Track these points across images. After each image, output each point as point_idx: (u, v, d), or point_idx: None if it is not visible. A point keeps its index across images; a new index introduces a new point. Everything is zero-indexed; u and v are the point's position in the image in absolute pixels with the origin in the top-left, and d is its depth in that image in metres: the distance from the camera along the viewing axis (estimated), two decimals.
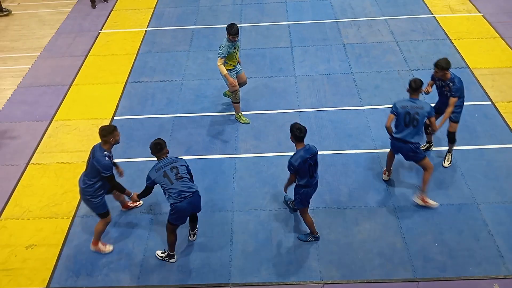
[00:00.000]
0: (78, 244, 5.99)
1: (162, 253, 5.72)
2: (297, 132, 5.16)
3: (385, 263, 5.58)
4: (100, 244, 5.83)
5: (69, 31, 10.82)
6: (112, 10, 11.59)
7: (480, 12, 10.47)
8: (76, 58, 9.78)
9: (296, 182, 5.44)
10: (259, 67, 9.18)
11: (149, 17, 11.15)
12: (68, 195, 6.65)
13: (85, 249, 5.90)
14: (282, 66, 9.17)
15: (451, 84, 6.15)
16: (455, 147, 6.87)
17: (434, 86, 6.52)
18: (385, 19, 10.51)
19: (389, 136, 6.07)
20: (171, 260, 5.67)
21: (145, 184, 5.33)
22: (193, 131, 7.69)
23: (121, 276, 5.59)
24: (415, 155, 5.93)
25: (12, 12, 11.90)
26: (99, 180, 5.32)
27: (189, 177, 5.32)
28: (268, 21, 10.72)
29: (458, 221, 6.01)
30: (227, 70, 7.16)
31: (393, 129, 5.92)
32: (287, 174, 6.48)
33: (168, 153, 5.38)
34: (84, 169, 5.47)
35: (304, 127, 5.20)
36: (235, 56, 7.24)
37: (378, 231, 5.95)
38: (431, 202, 6.15)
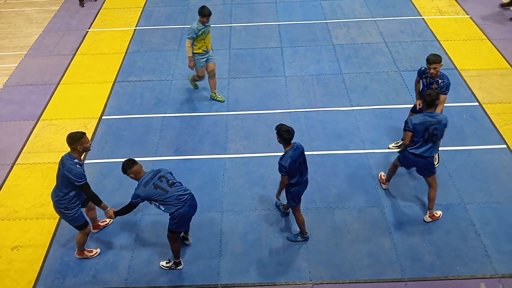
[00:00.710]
0: (65, 245, 5.92)
1: (167, 262, 5.58)
2: (285, 134, 5.09)
3: (374, 263, 5.60)
4: (85, 252, 5.70)
5: (57, 30, 10.69)
6: (100, 8, 11.49)
7: (468, 14, 10.58)
8: (64, 57, 9.67)
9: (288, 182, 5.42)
10: (249, 67, 9.16)
11: (138, 16, 11.07)
12: None
13: (72, 251, 5.82)
14: (272, 66, 9.17)
15: (440, 81, 6.09)
16: (442, 148, 6.93)
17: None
18: (374, 20, 10.56)
19: (399, 151, 5.96)
20: (179, 267, 5.56)
21: (129, 201, 5.08)
22: (182, 131, 7.65)
23: (109, 278, 5.53)
24: (431, 170, 5.82)
25: None
26: (72, 191, 5.08)
27: (180, 182, 5.22)
28: (258, 21, 10.71)
29: (446, 221, 6.06)
30: (196, 53, 7.49)
31: (410, 145, 5.70)
32: (277, 174, 6.46)
33: (141, 167, 5.14)
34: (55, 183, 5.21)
35: (292, 129, 5.15)
36: (204, 40, 7.43)
37: (367, 231, 5.98)
38: (438, 214, 6.10)
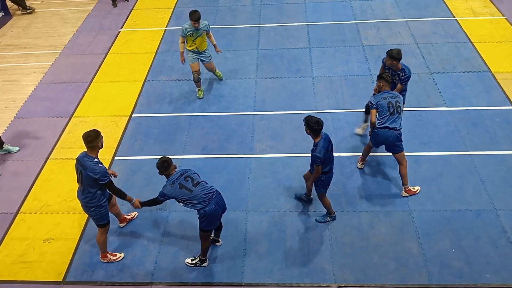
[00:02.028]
0: (94, 239, 6.06)
1: (192, 260, 5.65)
2: (315, 126, 5.23)
3: (400, 268, 5.51)
4: (109, 255, 5.74)
5: (90, 29, 10.98)
6: (132, 9, 11.73)
7: (503, 15, 10.27)
8: (96, 56, 9.92)
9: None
10: (277, 67, 9.16)
11: (169, 17, 11.24)
12: None
13: None
14: (300, 67, 9.14)
15: (402, 74, 6.46)
16: (473, 152, 6.77)
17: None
18: (405, 21, 10.39)
19: (370, 131, 6.25)
20: (204, 264, 5.63)
21: (157, 195, 5.15)
22: (210, 130, 7.73)
23: (136, 272, 5.64)
24: (399, 145, 6.07)
25: (36, 10, 12.15)
26: (98, 190, 5.14)
27: (205, 181, 5.25)
28: (287, 21, 10.70)
29: (476, 227, 5.90)
30: (188, 50, 8.03)
31: (377, 122, 6.06)
32: (301, 175, 6.47)
33: (176, 168, 5.20)
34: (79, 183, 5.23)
35: (321, 120, 5.28)
36: (194, 41, 7.86)
37: (394, 235, 5.89)
38: (415, 189, 6.37)
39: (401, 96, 6.15)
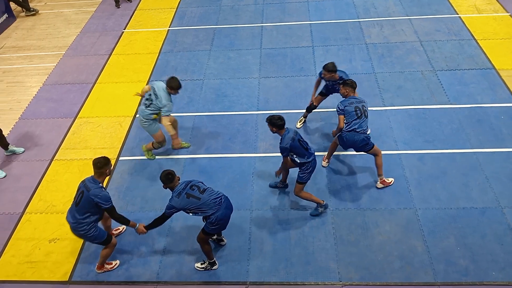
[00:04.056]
0: None
1: (201, 264, 5.61)
2: (279, 121, 5.53)
3: (405, 266, 5.50)
4: (106, 265, 5.67)
5: (94, 30, 11.02)
6: (135, 9, 11.76)
7: (507, 12, 10.22)
8: (100, 56, 9.96)
9: (299, 161, 5.69)
10: (280, 66, 9.16)
11: (172, 17, 11.26)
12: None
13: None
14: (303, 65, 9.14)
15: (341, 81, 6.54)
16: (478, 150, 6.75)
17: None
18: (409, 18, 10.36)
19: (336, 134, 6.39)
20: (214, 267, 5.59)
21: (163, 212, 5.08)
22: (213, 130, 7.74)
23: (141, 272, 5.66)
24: (369, 144, 6.16)
25: (39, 12, 12.20)
26: (92, 215, 5.07)
27: (211, 187, 5.20)
28: (289, 20, 10.70)
29: (482, 225, 5.88)
30: (155, 120, 6.62)
31: (345, 126, 6.16)
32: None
33: (179, 179, 5.13)
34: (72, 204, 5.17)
35: (281, 116, 5.56)
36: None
37: (399, 234, 5.87)
38: (389, 180, 6.49)
39: (365, 100, 6.30)
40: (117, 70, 9.49)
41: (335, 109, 6.27)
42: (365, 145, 6.15)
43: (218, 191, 5.18)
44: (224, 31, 10.47)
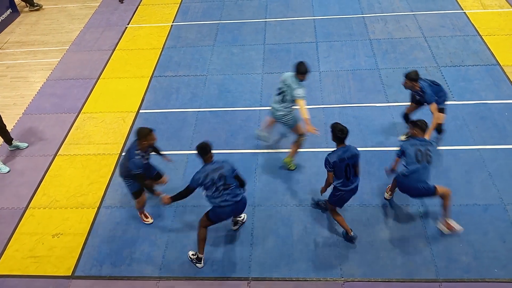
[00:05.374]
0: (103, 234, 6.13)
1: (193, 254, 5.67)
2: (339, 134, 5.16)
3: (408, 262, 5.50)
4: (143, 214, 6.18)
5: (97, 26, 11.03)
6: (139, 5, 11.75)
7: None
8: (104, 52, 9.96)
9: (334, 183, 5.39)
10: (283, 62, 9.14)
11: (175, 12, 11.24)
12: (94, 186, 6.80)
13: (109, 239, 6.04)
14: (306, 61, 9.07)
15: (421, 93, 6.29)
16: (482, 146, 6.71)
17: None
18: (413, 14, 10.30)
19: (393, 176, 5.87)
20: (198, 265, 5.59)
21: (186, 185, 5.16)
22: (216, 125, 7.74)
23: (144, 267, 5.69)
24: (424, 195, 5.61)
25: (43, 7, 12.21)
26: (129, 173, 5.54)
27: (236, 183, 5.21)
28: (293, 16, 10.66)
29: (484, 222, 5.86)
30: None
31: (404, 169, 5.53)
32: (308, 169, 6.47)
33: (212, 157, 5.21)
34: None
35: (346, 128, 5.18)
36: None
37: (401, 230, 5.87)
38: (456, 226, 5.72)
39: (433, 143, 5.77)
40: (120, 65, 9.49)
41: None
42: (420, 195, 5.59)
43: (237, 194, 5.19)
44: (228, 27, 10.45)
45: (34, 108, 8.51)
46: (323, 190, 5.65)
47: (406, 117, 6.94)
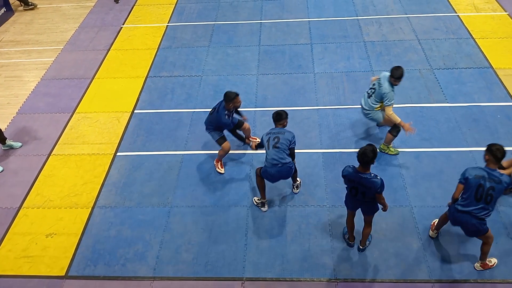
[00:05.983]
0: (97, 234, 6.12)
1: (258, 199, 6.27)
2: (364, 158, 4.78)
3: (401, 263, 5.54)
4: (219, 164, 6.86)
5: (92, 25, 11.00)
6: (134, 5, 11.73)
7: (506, 11, 10.24)
8: (98, 52, 9.94)
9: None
10: (278, 63, 9.17)
11: (171, 13, 11.24)
12: (88, 186, 6.79)
13: (103, 239, 6.03)
14: (301, 63, 9.15)
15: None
16: (475, 148, 6.77)
17: None
18: (407, 17, 10.37)
19: (448, 204, 5.26)
20: (263, 209, 6.23)
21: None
22: None
23: (138, 267, 5.69)
24: (478, 232, 5.04)
25: (38, 6, 12.16)
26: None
27: (285, 148, 5.67)
28: (288, 17, 10.70)
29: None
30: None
31: (460, 200, 5.00)
32: (303, 170, 6.48)
33: (285, 126, 5.87)
34: None
35: (375, 150, 4.81)
36: None
37: (394, 231, 5.91)
38: (493, 262, 5.46)
39: (503, 180, 4.67)
40: (115, 65, 9.48)
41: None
42: (475, 231, 5.03)
43: (284, 157, 5.65)
44: (223, 28, 10.46)
45: (28, 108, 8.47)
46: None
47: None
